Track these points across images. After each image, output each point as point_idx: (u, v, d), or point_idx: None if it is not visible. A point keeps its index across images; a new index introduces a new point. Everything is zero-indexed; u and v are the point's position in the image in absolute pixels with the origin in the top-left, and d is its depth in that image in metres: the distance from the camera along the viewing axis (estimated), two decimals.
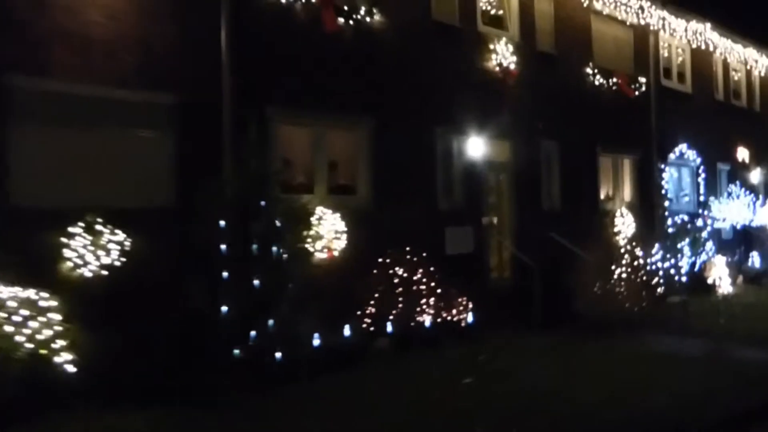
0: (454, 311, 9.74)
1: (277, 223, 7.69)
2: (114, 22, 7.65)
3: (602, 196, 14.18)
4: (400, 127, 10.16)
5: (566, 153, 13.10)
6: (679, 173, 16.67)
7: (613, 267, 11.66)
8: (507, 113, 11.82)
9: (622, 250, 13.06)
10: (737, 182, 18.15)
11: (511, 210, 12.26)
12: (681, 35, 15.99)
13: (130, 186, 7.61)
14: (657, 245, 14.15)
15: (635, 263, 13.00)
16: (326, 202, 9.17)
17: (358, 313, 8.73)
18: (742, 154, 18.89)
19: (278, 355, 7.25)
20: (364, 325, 8.68)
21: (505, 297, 11.28)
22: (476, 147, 11.22)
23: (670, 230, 15.21)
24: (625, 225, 14.08)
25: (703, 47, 16.75)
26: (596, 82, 13.79)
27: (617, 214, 14.05)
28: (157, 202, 7.77)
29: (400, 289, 9.00)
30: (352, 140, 9.89)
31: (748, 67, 19.32)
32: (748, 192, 17.31)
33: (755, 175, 19.25)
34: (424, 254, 9.54)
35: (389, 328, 8.71)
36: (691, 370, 7.89)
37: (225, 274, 7.29)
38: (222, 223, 7.42)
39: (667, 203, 15.47)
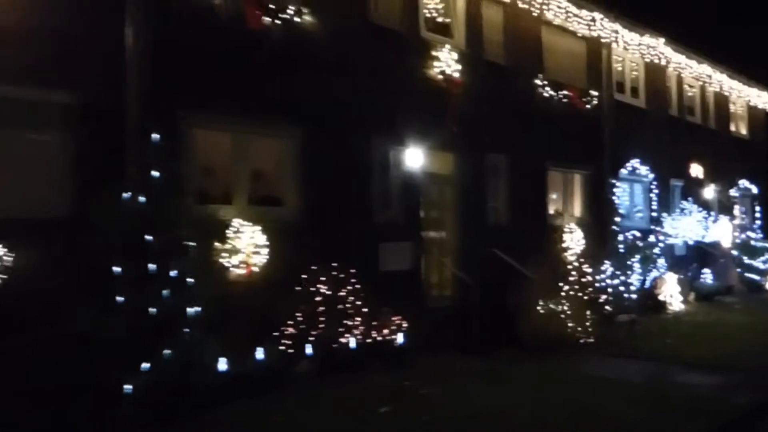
0: (386, 332, 9.13)
1: (182, 237, 7.01)
2: (3, 13, 6.93)
3: (551, 212, 13.75)
4: (332, 135, 9.57)
5: (514, 167, 12.64)
6: (632, 189, 16.36)
7: (559, 285, 11.20)
8: (451, 124, 11.30)
9: (570, 268, 12.67)
10: (690, 198, 17.94)
11: (454, 225, 11.73)
12: (634, 49, 15.73)
13: (16, 193, 6.87)
14: (607, 262, 13.80)
15: (583, 281, 12.59)
16: (246, 213, 8.51)
17: (276, 334, 8.05)
18: (696, 170, 18.70)
19: (177, 384, 6.54)
20: (282, 348, 8.01)
21: (445, 317, 10.71)
22: (416, 158, 10.67)
23: (621, 247, 14.86)
24: (574, 241, 13.65)
25: (656, 62, 16.52)
26: (546, 95, 13.38)
27: (566, 230, 13.63)
28: (48, 211, 7.03)
29: (324, 308, 8.37)
30: (279, 148, 9.25)
31: (702, 83, 19.20)
32: (700, 208, 17.07)
33: (709, 192, 19.08)
34: (353, 270, 8.93)
35: (309, 350, 8.06)
36: (628, 398, 7.39)
37: (119, 293, 6.59)
38: (119, 236, 6.73)
39: (618, 219, 15.10)
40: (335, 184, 9.54)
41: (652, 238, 16.03)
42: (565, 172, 14.10)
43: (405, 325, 9.46)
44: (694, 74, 18.40)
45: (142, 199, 6.93)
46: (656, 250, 16.07)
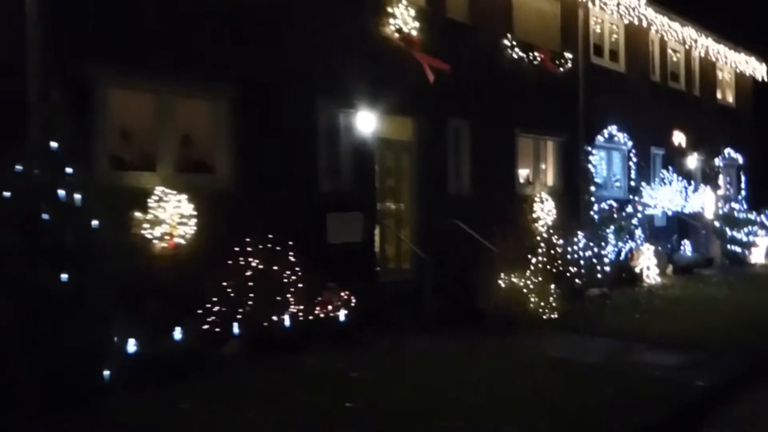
0: (330, 308, 8.50)
1: (88, 207, 6.31)
2: None
3: (521, 181, 13.06)
4: (271, 96, 8.82)
5: (479, 133, 11.91)
6: (609, 157, 15.66)
7: (524, 258, 10.56)
8: (409, 86, 10.54)
9: (539, 239, 12.05)
10: (672, 168, 17.26)
11: (412, 195, 11.05)
12: (613, 9, 14.90)
13: None
14: (581, 233, 13.17)
15: (552, 253, 11.98)
16: (172, 181, 7.79)
17: (200, 312, 7.40)
18: (679, 138, 18.00)
19: (77, 369, 5.90)
20: (207, 327, 7.36)
21: (401, 293, 10.09)
22: (369, 123, 9.95)
23: (597, 217, 14.22)
24: (545, 212, 12.99)
25: (637, 24, 15.71)
26: (516, 57, 12.61)
27: (537, 199, 12.95)
28: None
29: (255, 283, 7.70)
30: (211, 110, 8.49)
31: (687, 48, 18.39)
32: (681, 178, 16.40)
33: (692, 161, 18.41)
34: (292, 243, 8.24)
35: (236, 329, 7.41)
36: (580, 381, 6.78)
37: (11, 271, 5.90)
38: (12, 209, 6.03)
39: (593, 188, 14.44)
40: (275, 150, 8.82)
41: (630, 209, 15.43)
42: (537, 138, 13.38)
43: (354, 301, 8.84)
44: (679, 38, 17.58)
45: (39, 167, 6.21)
46: (634, 221, 15.46)
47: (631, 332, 9.10)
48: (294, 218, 8.74)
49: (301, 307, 8.15)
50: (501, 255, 10.27)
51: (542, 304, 9.92)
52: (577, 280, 12.12)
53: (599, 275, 13.00)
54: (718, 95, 20.51)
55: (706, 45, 18.64)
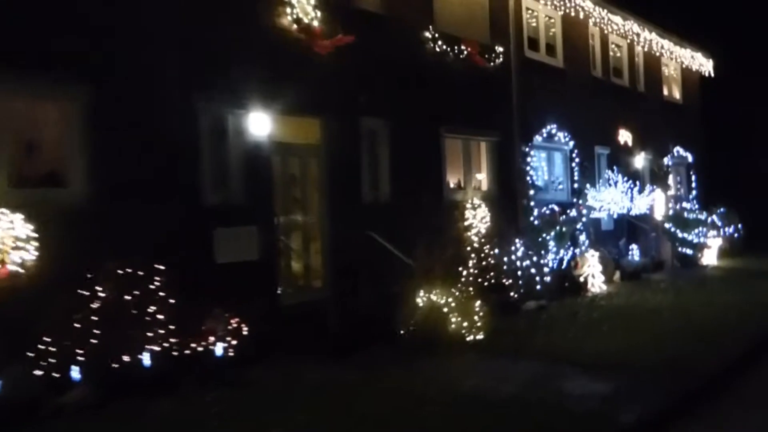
0: (213, 339, 7.30)
1: None
2: None
3: (450, 186, 12.00)
4: (138, 95, 7.59)
5: (399, 134, 10.83)
6: (550, 158, 14.74)
7: (452, 271, 9.51)
8: (315, 84, 9.43)
9: (469, 249, 11.03)
10: (617, 168, 16.42)
11: (322, 205, 9.90)
12: (546, 0, 14.02)
13: None
14: (518, 241, 12.17)
15: (484, 264, 10.96)
16: (6, 197, 6.52)
17: (32, 354, 6.13)
18: (625, 136, 17.22)
19: None
20: (41, 372, 6.09)
21: (309, 314, 8.93)
22: (264, 125, 8.79)
23: (537, 223, 13.26)
24: (478, 219, 11.95)
25: (574, 16, 14.84)
26: (439, 50, 11.58)
27: (469, 206, 11.91)
28: None
29: (107, 314, 6.45)
30: (61, 113, 7.23)
31: (630, 42, 17.63)
32: (628, 178, 15.52)
33: (639, 160, 17.63)
34: (164, 265, 7.02)
35: (79, 372, 6.17)
36: (488, 420, 5.70)
37: None
38: None
39: (532, 192, 13.47)
40: (143, 158, 7.59)
41: (573, 213, 14.52)
42: (467, 139, 12.35)
43: (246, 328, 7.66)
44: (620, 32, 16.80)
45: None
46: (579, 225, 14.57)
47: (561, 352, 8.07)
48: (169, 236, 7.51)
49: (173, 340, 6.93)
50: (420, 269, 9.18)
51: (465, 323, 8.83)
52: (512, 293, 11.09)
53: (538, 286, 12.00)
54: (665, 91, 19.85)
55: (649, 39, 17.91)
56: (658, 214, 18.06)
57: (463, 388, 6.71)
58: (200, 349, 7.18)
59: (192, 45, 8.11)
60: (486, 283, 10.80)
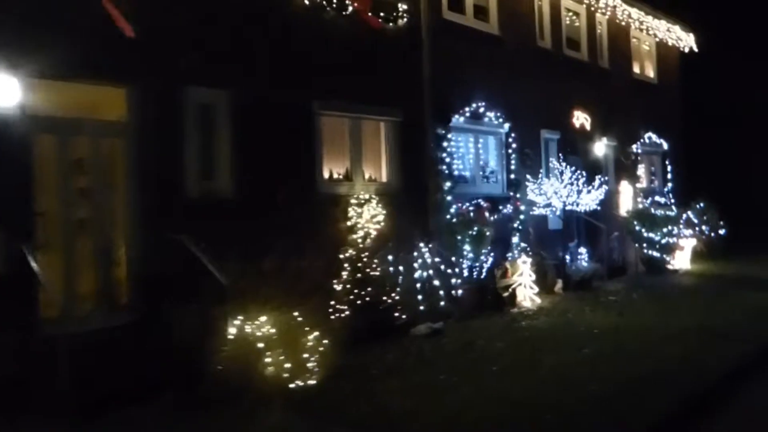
0: None
1: None
2: None
3: (326, 176, 9.52)
4: None
5: (249, 110, 8.33)
6: (478, 143, 12.20)
7: (292, 289, 7.13)
8: (115, 41, 6.99)
9: (343, 258, 8.63)
10: (569, 156, 13.91)
11: (127, 200, 7.45)
12: None
13: None
14: (423, 245, 9.74)
15: (360, 276, 8.55)
16: None
17: None
18: (581, 119, 14.67)
19: None
20: None
21: (92, 347, 6.50)
22: (13, 93, 6.36)
23: (454, 222, 10.79)
24: (368, 218, 9.50)
25: None
26: (310, 3, 9.09)
27: (355, 201, 9.46)
28: None
29: None
30: None
31: (589, 8, 15.04)
32: (577, 168, 12.89)
33: (599, 147, 15.09)
34: None
35: None
36: None
37: None
38: None
39: (449, 184, 10.96)
40: None
41: (508, 209, 12.07)
42: (356, 118, 9.85)
43: None
44: None
45: None
46: (516, 224, 12.12)
47: (398, 416, 5.61)
48: None
49: None
50: (234, 288, 6.75)
51: (290, 363, 6.38)
52: (397, 313, 8.64)
53: (442, 302, 9.53)
54: (635, 68, 17.24)
55: (612, 5, 15.34)
56: (624, 211, 15.57)
57: None
58: None
59: None
60: (359, 302, 8.38)
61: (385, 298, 8.47)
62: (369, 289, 8.42)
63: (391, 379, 6.60)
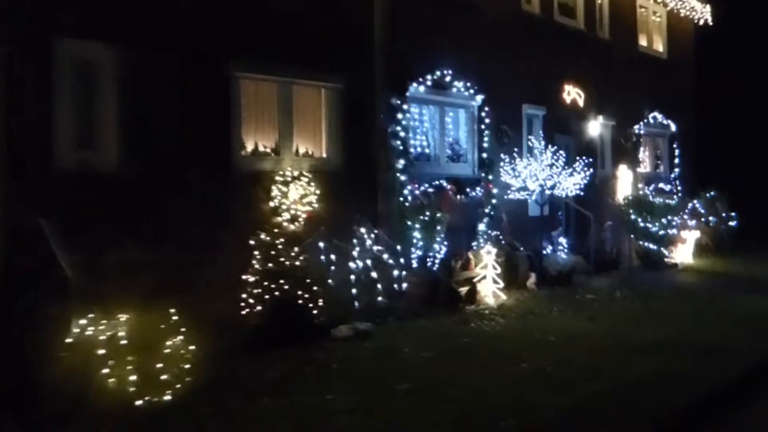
0: None
1: None
2: None
3: (250, 150, 8.21)
4: None
5: (142, 69, 7.06)
6: (445, 117, 10.78)
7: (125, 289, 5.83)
8: None
9: (256, 243, 7.39)
10: (556, 135, 12.46)
11: None
12: None
13: None
14: (364, 231, 8.45)
15: (273, 267, 7.32)
16: None
17: None
18: (573, 94, 13.15)
19: None
20: None
21: None
22: None
23: (408, 206, 9.45)
24: (293, 198, 8.21)
25: None
26: None
27: (280, 180, 8.18)
28: None
29: None
30: None
31: None
32: (557, 149, 11.36)
33: (594, 126, 13.55)
34: None
35: None
36: None
37: None
38: None
39: (403, 162, 9.59)
40: None
41: (479, 192, 10.70)
42: (287, 82, 8.49)
43: None
44: None
45: None
46: (488, 210, 10.76)
47: None
48: None
49: None
50: (81, 282, 5.53)
51: (136, 376, 5.13)
52: (315, 311, 7.34)
53: (380, 298, 8.20)
54: (642, 41, 15.57)
55: None
56: (622, 198, 14.05)
57: None
58: None
59: None
60: (270, 297, 7.10)
61: (301, 292, 7.17)
62: (282, 282, 7.13)
63: (266, 397, 5.30)
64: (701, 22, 16.91)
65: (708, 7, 16.92)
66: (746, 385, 5.95)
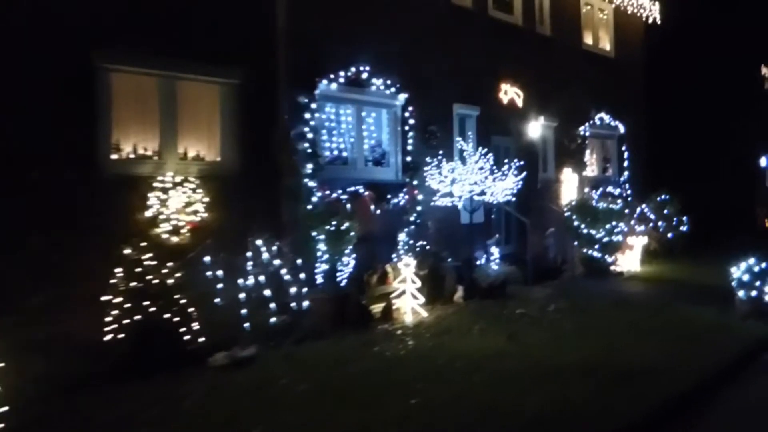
0: None
1: None
2: None
3: (130, 151, 7.26)
4: None
5: None
6: (364, 117, 9.93)
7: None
8: None
9: (126, 258, 6.42)
10: (492, 137, 11.67)
11: None
12: None
13: None
14: (261, 243, 7.52)
15: (135, 285, 6.36)
16: None
17: None
18: (510, 93, 12.38)
19: None
20: None
21: None
22: None
23: (312, 215, 8.54)
24: (178, 207, 7.27)
25: None
26: None
27: (159, 185, 7.23)
28: None
29: None
30: None
31: None
32: (487, 152, 10.58)
33: (535, 127, 12.79)
34: None
35: None
36: None
37: None
38: None
39: (311, 167, 8.69)
40: None
41: (402, 199, 9.84)
42: (170, 77, 7.55)
43: None
44: None
45: None
46: (413, 217, 9.93)
47: None
48: None
49: None
50: None
51: None
52: (189, 336, 6.39)
53: (273, 318, 7.27)
54: (587, 38, 14.90)
55: None
56: (566, 203, 13.32)
57: None
58: None
59: None
60: (132, 320, 6.14)
61: (170, 315, 6.22)
62: (149, 303, 6.18)
63: None
64: (650, 21, 16.31)
65: (657, 5, 16.33)
66: (655, 421, 5.14)
